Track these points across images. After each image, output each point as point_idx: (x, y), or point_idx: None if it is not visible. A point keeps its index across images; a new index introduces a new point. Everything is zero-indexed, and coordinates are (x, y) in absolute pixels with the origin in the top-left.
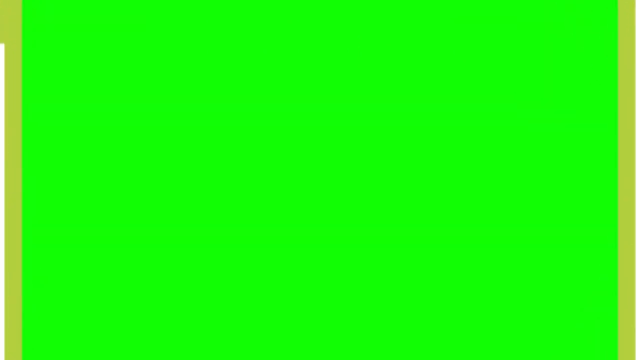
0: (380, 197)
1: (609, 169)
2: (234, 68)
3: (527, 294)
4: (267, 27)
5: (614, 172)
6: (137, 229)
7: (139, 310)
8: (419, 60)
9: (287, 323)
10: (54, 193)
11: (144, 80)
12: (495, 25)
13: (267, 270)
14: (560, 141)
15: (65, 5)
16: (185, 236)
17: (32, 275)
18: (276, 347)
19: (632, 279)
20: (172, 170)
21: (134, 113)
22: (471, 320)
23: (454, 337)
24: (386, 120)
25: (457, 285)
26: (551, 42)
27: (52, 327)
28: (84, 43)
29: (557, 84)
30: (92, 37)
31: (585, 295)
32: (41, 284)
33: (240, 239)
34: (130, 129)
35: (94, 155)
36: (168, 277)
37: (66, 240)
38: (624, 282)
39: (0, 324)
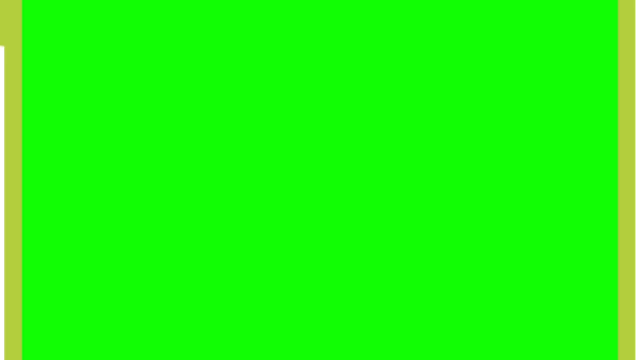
0: (381, 197)
1: (609, 169)
2: (233, 68)
3: (527, 294)
4: (267, 27)
5: (614, 172)
6: (137, 229)
7: (139, 310)
8: (419, 60)
9: (287, 323)
10: (54, 193)
11: (143, 83)
12: (496, 26)
13: (267, 270)
14: (560, 141)
15: (65, 8)
16: (185, 236)
17: (32, 275)
18: (276, 347)
19: (632, 279)
20: (172, 170)
21: (133, 115)
22: (471, 320)
23: (454, 337)
24: (386, 120)
25: (457, 285)
26: (551, 42)
27: (52, 327)
28: (83, 46)
29: (557, 84)
30: (92, 40)
31: (585, 295)
32: (41, 284)
33: (240, 239)
34: (130, 130)
35: (93, 156)
36: (168, 277)
37: (66, 240)
38: (624, 282)
39: (1, 324)
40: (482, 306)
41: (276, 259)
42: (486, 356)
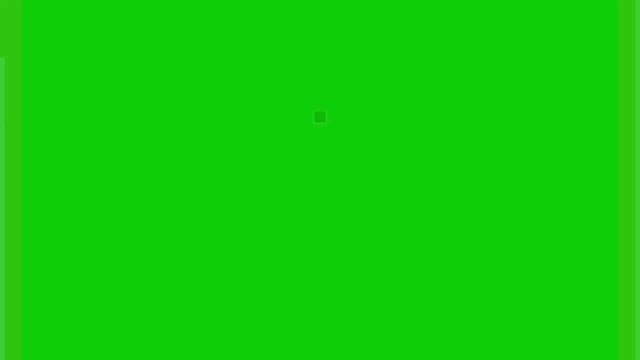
0: (382, 198)
1: (609, 169)
2: (233, 70)
3: (527, 294)
4: (266, 27)
5: (614, 172)
6: (137, 230)
7: (139, 310)
8: (418, 61)
9: (287, 324)
10: (54, 200)
11: (143, 94)
12: (496, 26)
13: (266, 271)
14: (561, 141)
15: (65, 20)
16: (185, 236)
17: (32, 275)
18: (275, 347)
19: (632, 279)
20: (171, 171)
21: (133, 125)
22: (471, 320)
23: (454, 337)
24: (387, 120)
25: (457, 285)
26: (551, 42)
27: (52, 327)
28: (84, 58)
29: (557, 84)
30: (92, 51)
31: (585, 295)
32: (41, 284)
33: (238, 240)
34: (130, 140)
35: (93, 164)
36: (167, 277)
37: (66, 240)
38: (624, 282)
39: (1, 324)
40: (482, 306)
41: (275, 257)
42: (486, 356)
